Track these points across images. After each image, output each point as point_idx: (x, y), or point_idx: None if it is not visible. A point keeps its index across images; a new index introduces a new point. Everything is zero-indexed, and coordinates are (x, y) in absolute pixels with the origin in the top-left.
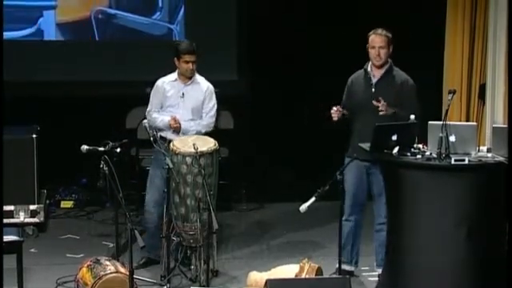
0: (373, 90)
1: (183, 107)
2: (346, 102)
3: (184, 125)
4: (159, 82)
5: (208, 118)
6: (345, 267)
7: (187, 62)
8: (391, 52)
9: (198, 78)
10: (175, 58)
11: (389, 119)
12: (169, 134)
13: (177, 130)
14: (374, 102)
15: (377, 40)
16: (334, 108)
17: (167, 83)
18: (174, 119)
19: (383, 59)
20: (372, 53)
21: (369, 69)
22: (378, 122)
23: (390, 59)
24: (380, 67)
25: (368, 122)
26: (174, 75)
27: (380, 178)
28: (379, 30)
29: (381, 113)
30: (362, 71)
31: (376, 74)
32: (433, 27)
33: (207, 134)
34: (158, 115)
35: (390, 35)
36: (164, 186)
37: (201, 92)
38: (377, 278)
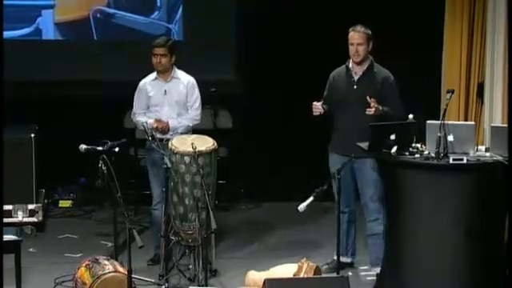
0: (355, 86)
1: (168, 104)
2: (328, 98)
3: (172, 123)
4: (141, 84)
5: (193, 111)
6: (342, 259)
7: (155, 56)
8: (371, 48)
9: (178, 73)
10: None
11: (372, 117)
12: (159, 134)
13: (164, 129)
14: (368, 99)
15: (355, 37)
16: (315, 103)
17: (148, 83)
18: (160, 121)
19: (361, 56)
20: (351, 49)
21: (350, 65)
22: (360, 118)
23: (370, 56)
24: (360, 64)
25: (350, 119)
26: (153, 74)
27: (364, 174)
28: (358, 27)
29: (369, 113)
30: (343, 67)
31: (357, 71)
32: (431, 26)
33: (205, 131)
34: (141, 118)
35: (369, 32)
36: (162, 180)
37: (182, 86)
38: (375, 277)
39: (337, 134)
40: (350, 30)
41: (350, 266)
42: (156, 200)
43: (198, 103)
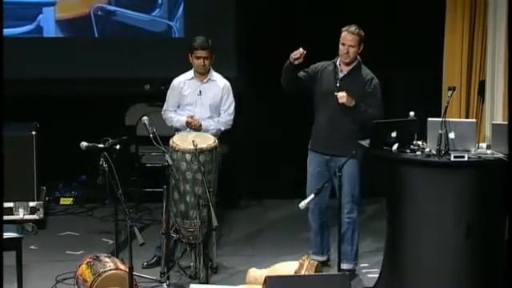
0: (338, 84)
1: (201, 105)
2: (308, 74)
3: (204, 123)
4: (175, 81)
5: (226, 116)
6: (317, 258)
7: (198, 58)
8: (361, 50)
9: (215, 75)
10: (189, 54)
11: (351, 113)
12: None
13: (196, 127)
14: (336, 93)
15: (348, 38)
16: (301, 49)
17: (184, 82)
18: (192, 117)
19: (351, 57)
20: (341, 49)
21: (337, 63)
22: (340, 116)
23: (359, 57)
24: (348, 64)
25: (331, 115)
26: (190, 73)
27: (342, 172)
28: (352, 28)
29: (340, 100)
30: (331, 63)
31: (343, 70)
32: (432, 24)
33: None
34: (173, 114)
35: (362, 34)
36: None
37: (218, 89)
38: (376, 276)
39: (317, 129)
40: (345, 29)
41: (325, 264)
42: None
43: (232, 109)
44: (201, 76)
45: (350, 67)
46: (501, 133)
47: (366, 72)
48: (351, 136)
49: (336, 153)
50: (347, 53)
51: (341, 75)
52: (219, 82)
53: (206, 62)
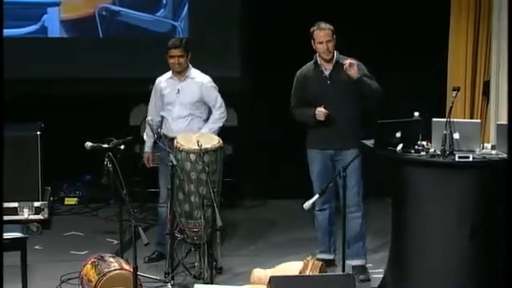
0: (328, 82)
1: (179, 103)
2: (299, 97)
3: (181, 123)
4: (157, 81)
5: (217, 111)
6: (325, 257)
7: (172, 57)
8: (336, 42)
9: (193, 72)
10: (166, 55)
11: (349, 105)
12: (172, 133)
13: None
14: (346, 61)
15: (322, 34)
16: (323, 109)
17: (164, 81)
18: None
19: (332, 52)
20: (320, 48)
21: (319, 62)
22: (336, 112)
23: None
24: (330, 60)
25: (329, 111)
26: (169, 73)
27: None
28: (322, 24)
29: (350, 71)
30: (310, 65)
31: (327, 67)
32: (437, 24)
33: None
34: (149, 133)
35: (332, 27)
36: (168, 182)
37: (196, 87)
38: (380, 276)
39: (314, 130)
40: (316, 28)
41: (332, 263)
42: (163, 198)
43: (219, 102)
44: (178, 75)
45: (333, 62)
46: (505, 133)
47: (345, 58)
48: (353, 124)
49: (341, 146)
50: (327, 49)
51: (327, 73)
52: (198, 80)
53: (181, 60)
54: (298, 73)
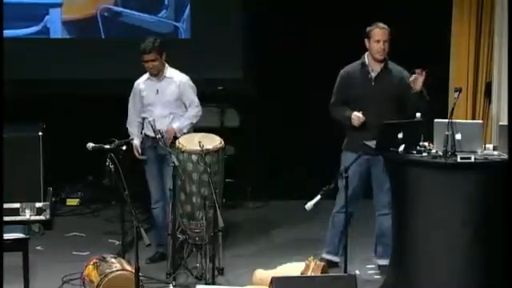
0: (372, 83)
1: (159, 103)
2: (340, 95)
3: (164, 122)
4: (135, 84)
5: (193, 109)
6: (331, 258)
7: (146, 62)
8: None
9: (170, 71)
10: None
11: (388, 111)
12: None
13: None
14: (418, 70)
15: (381, 33)
16: (360, 115)
17: (142, 83)
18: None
19: (385, 53)
20: (377, 47)
21: (367, 62)
22: (377, 116)
23: None
24: (381, 61)
25: (367, 117)
26: (146, 74)
27: (380, 170)
28: (381, 24)
29: (417, 86)
30: (357, 64)
31: (375, 68)
32: (439, 25)
33: (212, 130)
34: (133, 130)
35: (389, 28)
36: (159, 179)
37: (174, 86)
38: (383, 277)
39: (352, 133)
40: (374, 27)
41: (336, 265)
42: (154, 199)
43: (195, 100)
44: (155, 76)
45: (382, 64)
46: (507, 134)
47: (395, 66)
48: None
49: (372, 151)
50: (384, 49)
51: (373, 74)
52: (176, 79)
53: (155, 64)
54: (343, 71)
